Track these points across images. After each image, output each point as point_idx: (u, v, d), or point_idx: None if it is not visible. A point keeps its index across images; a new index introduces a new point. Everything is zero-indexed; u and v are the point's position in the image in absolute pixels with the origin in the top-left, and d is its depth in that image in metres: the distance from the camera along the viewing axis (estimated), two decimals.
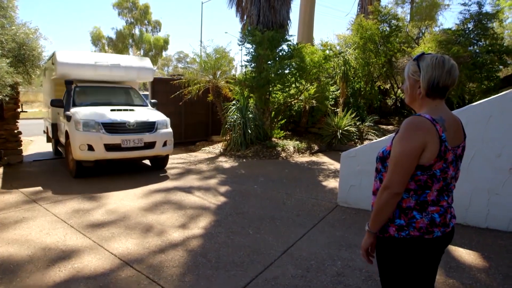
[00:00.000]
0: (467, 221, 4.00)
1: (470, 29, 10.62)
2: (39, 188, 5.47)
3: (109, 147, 5.88)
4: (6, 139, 7.29)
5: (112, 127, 5.96)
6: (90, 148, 5.76)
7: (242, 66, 10.75)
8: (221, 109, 10.13)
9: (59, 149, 7.64)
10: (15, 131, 7.42)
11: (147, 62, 8.13)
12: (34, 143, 10.74)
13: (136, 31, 38.73)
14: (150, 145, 6.30)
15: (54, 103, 6.69)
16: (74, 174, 6.14)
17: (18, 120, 7.52)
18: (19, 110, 7.61)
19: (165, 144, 6.52)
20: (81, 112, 6.08)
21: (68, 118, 6.05)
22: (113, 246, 3.40)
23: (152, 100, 8.08)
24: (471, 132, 3.92)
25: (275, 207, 4.72)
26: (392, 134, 4.44)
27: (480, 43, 10.48)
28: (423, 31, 15.06)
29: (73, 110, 6.26)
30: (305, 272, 2.95)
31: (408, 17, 16.64)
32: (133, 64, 7.73)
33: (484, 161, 3.87)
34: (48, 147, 8.97)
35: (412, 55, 10.50)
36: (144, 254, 3.24)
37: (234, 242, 3.56)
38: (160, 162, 7.09)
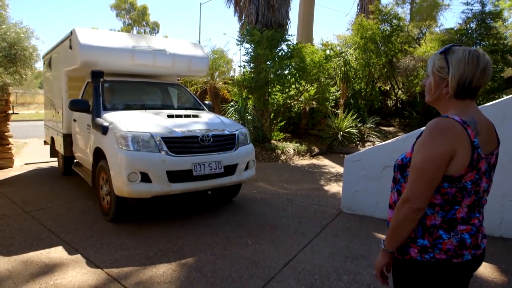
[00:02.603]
0: None
1: (473, 28, 10.42)
2: (29, 194, 5.21)
3: (174, 176, 3.81)
4: None
5: (178, 144, 3.87)
6: (145, 178, 3.68)
7: (240, 66, 10.55)
8: (219, 110, 9.91)
9: (75, 169, 5.53)
10: (6, 133, 7.17)
11: (199, 49, 6.08)
12: (29, 145, 10.48)
13: (134, 33, 38.55)
14: (231, 169, 4.20)
15: (76, 106, 4.59)
16: (111, 216, 3.99)
17: (9, 123, 7.27)
18: (10, 112, 7.36)
19: (247, 166, 4.47)
20: (124, 121, 4.00)
21: (104, 130, 3.96)
22: (100, 259, 3.14)
23: (206, 102, 5.91)
24: None
25: (276, 214, 4.47)
26: (403, 135, 4.19)
27: (484, 43, 10.27)
28: (424, 31, 14.88)
29: (108, 116, 4.20)
30: None
31: (408, 17, 16.46)
32: (183, 51, 5.57)
33: (498, 165, 3.62)
34: (44, 151, 8.57)
35: (414, 55, 10.30)
36: (134, 268, 2.99)
37: (232, 253, 3.31)
38: (231, 191, 4.92)
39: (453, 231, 1.26)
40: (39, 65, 8.75)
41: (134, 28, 38.41)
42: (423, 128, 4.23)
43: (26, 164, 7.57)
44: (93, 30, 5.29)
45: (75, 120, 5.31)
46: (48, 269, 2.96)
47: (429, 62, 1.36)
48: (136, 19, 38.07)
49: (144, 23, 38.80)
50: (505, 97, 3.65)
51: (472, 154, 1.19)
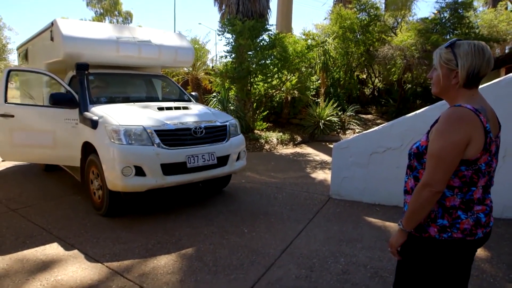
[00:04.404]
0: None
1: (447, 18, 10.76)
2: (12, 192, 5.05)
3: (168, 169, 3.80)
4: None
5: (171, 137, 3.86)
6: (140, 172, 3.67)
7: (222, 57, 10.48)
8: (202, 101, 9.84)
9: (62, 165, 5.36)
10: None
11: (185, 40, 6.03)
12: None
13: (106, 23, 37.30)
14: (223, 160, 4.24)
15: (58, 99, 4.31)
16: (104, 211, 3.96)
17: None
18: None
19: (238, 157, 4.52)
20: (115, 114, 3.93)
21: (93, 124, 3.90)
22: (99, 253, 3.13)
23: (193, 93, 5.86)
24: None
25: (267, 202, 4.55)
26: (388, 123, 4.31)
27: (456, 32, 10.64)
28: (399, 20, 15.21)
29: (96, 110, 4.11)
30: (309, 272, 2.81)
31: (383, 6, 16.78)
32: (169, 42, 5.50)
33: None
34: None
35: (392, 44, 10.54)
36: (135, 261, 3.00)
37: (230, 242, 3.37)
38: (222, 182, 4.95)
39: (470, 211, 1.37)
40: (13, 58, 8.38)
41: (106, 18, 37.17)
42: (416, 111, 4.29)
43: (3, 160, 7.29)
44: (75, 21, 5.09)
45: (12, 116, 4.75)
46: (46, 265, 2.92)
47: (434, 55, 1.45)
48: (108, 9, 36.81)
49: (116, 12, 37.59)
50: (483, 85, 3.84)
51: (485, 138, 1.30)
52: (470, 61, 1.33)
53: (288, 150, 8.66)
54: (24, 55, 6.47)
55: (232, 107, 9.45)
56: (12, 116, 4.79)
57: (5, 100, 4.92)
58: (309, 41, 10.56)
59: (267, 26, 9.24)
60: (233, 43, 9.04)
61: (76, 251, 3.18)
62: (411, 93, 12.71)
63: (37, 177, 5.92)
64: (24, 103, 5.45)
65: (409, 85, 12.52)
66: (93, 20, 35.99)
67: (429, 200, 1.34)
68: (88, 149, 4.15)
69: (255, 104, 9.93)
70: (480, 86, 3.83)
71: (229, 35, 9.08)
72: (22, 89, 6.99)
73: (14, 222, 3.87)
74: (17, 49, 7.03)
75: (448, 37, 10.61)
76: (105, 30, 5.04)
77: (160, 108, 4.31)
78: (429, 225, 1.40)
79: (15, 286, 2.63)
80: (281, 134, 9.60)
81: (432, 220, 1.39)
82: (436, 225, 1.38)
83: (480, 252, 3.12)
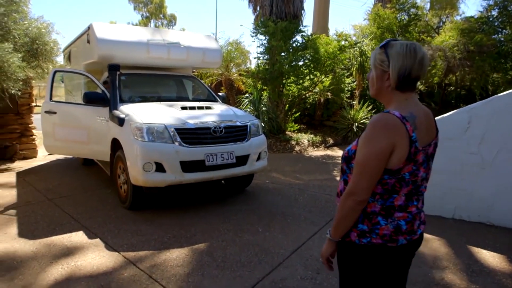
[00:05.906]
0: (491, 220, 3.74)
1: (495, 16, 10.10)
2: (52, 183, 5.47)
3: (187, 166, 3.96)
4: (21, 134, 7.37)
5: (191, 135, 4.00)
6: (160, 168, 3.84)
7: (255, 58, 10.58)
8: (234, 102, 10.00)
9: (95, 160, 5.76)
10: (30, 125, 7.50)
11: (213, 41, 6.15)
12: None
13: (152, 25, 38.95)
14: (242, 160, 4.31)
15: (91, 98, 4.61)
16: (128, 204, 4.18)
17: (32, 115, 7.60)
18: (33, 104, 7.69)
19: (259, 157, 4.57)
20: (139, 113, 4.14)
21: (120, 121, 4.13)
22: (118, 243, 3.32)
23: (220, 94, 5.99)
24: (496, 124, 3.65)
25: (287, 203, 4.56)
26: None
27: (505, 31, 9.96)
28: (444, 20, 14.48)
29: (124, 108, 4.34)
30: (315, 274, 2.79)
31: (428, 5, 16.03)
32: (197, 44, 5.66)
33: (511, 156, 3.60)
34: None
35: (432, 44, 10.08)
36: (149, 252, 3.15)
37: (242, 240, 3.43)
38: (244, 181, 5.03)
39: (390, 218, 1.33)
40: (60, 59, 9.04)
41: (152, 21, 38.81)
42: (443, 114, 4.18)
43: (49, 154, 7.89)
44: (110, 24, 5.42)
45: (54, 112, 5.12)
46: (70, 251, 3.15)
47: (371, 56, 1.40)
48: (154, 12, 38.43)
49: (161, 15, 39.13)
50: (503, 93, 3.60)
51: (410, 148, 1.25)
52: (401, 62, 1.27)
53: (319, 152, 8.57)
54: (68, 57, 7.00)
55: (264, 108, 9.51)
56: (55, 112, 5.19)
57: (50, 98, 5.34)
58: (343, 42, 10.36)
59: (301, 27, 9.21)
60: (266, 45, 9.11)
61: (98, 240, 3.40)
62: (455, 96, 12.08)
63: (76, 170, 6.36)
64: (64, 101, 5.88)
65: (452, 88, 11.89)
66: (140, 23, 37.75)
67: (353, 209, 1.31)
68: (116, 145, 4.40)
69: (287, 105, 9.92)
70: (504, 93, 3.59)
71: (262, 37, 9.17)
72: (66, 88, 7.56)
73: (48, 211, 4.20)
74: (63, 51, 7.59)
75: (496, 37, 9.97)
76: (137, 33, 5.31)
77: (184, 108, 4.46)
78: (350, 229, 1.37)
79: (39, 267, 2.86)
80: (312, 136, 9.53)
81: (353, 225, 1.36)
82: (357, 230, 1.35)
83: (504, 265, 2.93)
